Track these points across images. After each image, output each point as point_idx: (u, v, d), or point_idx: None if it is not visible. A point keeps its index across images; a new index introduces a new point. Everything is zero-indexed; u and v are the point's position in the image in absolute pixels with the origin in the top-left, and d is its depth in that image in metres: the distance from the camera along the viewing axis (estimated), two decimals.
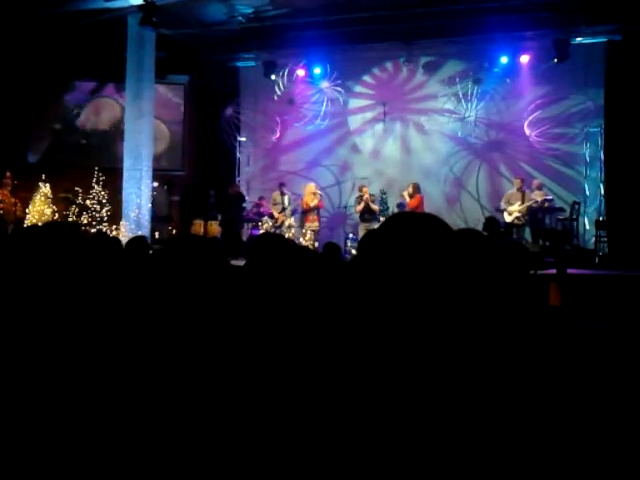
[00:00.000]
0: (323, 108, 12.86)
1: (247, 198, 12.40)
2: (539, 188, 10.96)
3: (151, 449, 1.25)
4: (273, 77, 12.56)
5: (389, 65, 12.82)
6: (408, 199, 11.06)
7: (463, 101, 12.12)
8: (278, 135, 13.09)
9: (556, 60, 11.05)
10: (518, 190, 10.84)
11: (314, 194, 11.58)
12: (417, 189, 11.14)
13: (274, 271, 1.86)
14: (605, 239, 10.61)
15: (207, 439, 1.23)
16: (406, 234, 1.12)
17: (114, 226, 10.62)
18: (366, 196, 11.34)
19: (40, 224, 9.00)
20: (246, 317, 1.62)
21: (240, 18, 10.94)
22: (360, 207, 11.41)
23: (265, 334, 1.48)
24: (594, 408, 1.18)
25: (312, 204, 11.51)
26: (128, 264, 2.32)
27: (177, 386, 1.34)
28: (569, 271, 7.42)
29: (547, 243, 10.15)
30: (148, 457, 1.24)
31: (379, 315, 1.09)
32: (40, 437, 1.27)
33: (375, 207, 11.33)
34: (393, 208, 11.38)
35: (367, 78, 13.01)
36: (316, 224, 11.53)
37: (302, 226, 11.55)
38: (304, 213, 11.65)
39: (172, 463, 1.23)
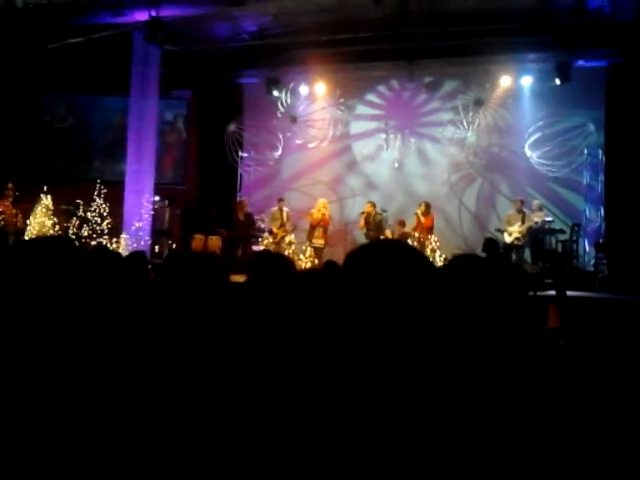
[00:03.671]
0: (326, 126, 12.93)
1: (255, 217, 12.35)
2: (539, 209, 10.99)
3: (150, 460, 1.25)
4: (276, 94, 12.61)
5: (392, 84, 12.91)
6: (423, 218, 11.03)
7: (464, 122, 12.19)
8: (280, 152, 13.15)
9: (558, 82, 11.12)
10: (518, 211, 10.87)
11: (319, 210, 11.51)
12: (429, 208, 11.14)
13: (274, 289, 1.86)
14: (605, 262, 10.61)
15: (204, 453, 1.23)
16: (377, 263, 1.13)
17: (114, 239, 10.63)
18: (364, 212, 11.32)
19: (40, 236, 9.01)
20: (245, 334, 1.63)
21: (245, 35, 11.04)
22: (361, 224, 11.39)
23: (264, 350, 1.48)
24: (591, 428, 1.18)
25: (316, 218, 11.40)
26: (126, 281, 2.33)
27: (176, 401, 1.34)
28: (568, 293, 7.41)
29: (547, 264, 10.15)
30: (148, 462, 1.24)
31: (374, 336, 1.09)
32: (42, 444, 1.27)
33: (361, 223, 11.23)
34: (393, 226, 11.39)
35: (370, 97, 13.09)
36: (321, 241, 11.39)
37: (307, 242, 11.43)
38: (310, 229, 11.57)
39: (172, 467, 1.23)
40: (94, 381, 1.40)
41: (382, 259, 1.13)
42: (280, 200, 12.00)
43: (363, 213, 11.38)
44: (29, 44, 10.91)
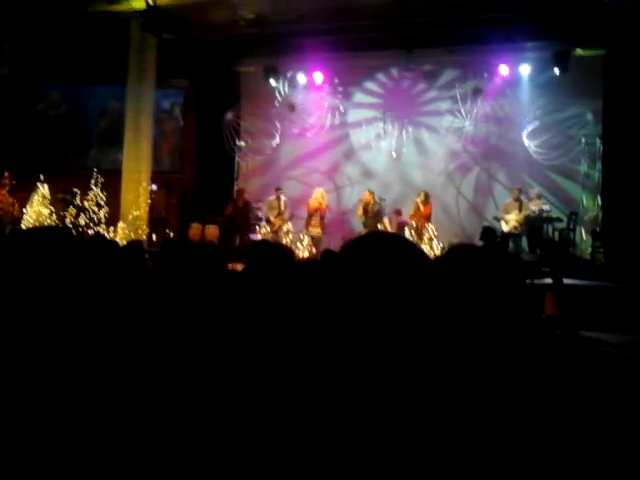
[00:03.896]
0: (323, 114, 12.88)
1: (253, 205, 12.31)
2: (538, 197, 10.99)
3: (148, 451, 1.26)
4: (273, 82, 12.55)
5: (390, 73, 12.86)
6: (422, 207, 11.05)
7: (462, 110, 12.16)
8: (278, 141, 13.10)
9: (556, 72, 11.09)
10: (515, 200, 10.87)
11: (316, 199, 11.49)
12: (428, 197, 11.16)
13: (272, 279, 1.87)
14: (601, 250, 10.64)
15: (201, 444, 1.23)
16: (375, 256, 1.14)
17: (111, 228, 10.63)
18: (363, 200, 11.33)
19: (37, 225, 9.00)
20: (243, 323, 1.63)
21: (242, 23, 10.97)
22: (360, 212, 11.39)
23: (262, 341, 1.49)
24: (588, 417, 1.19)
25: (313, 207, 11.40)
26: (124, 270, 2.33)
27: (174, 391, 1.35)
28: (565, 281, 7.43)
29: (544, 253, 10.17)
30: (146, 458, 1.25)
31: (370, 326, 1.10)
32: (40, 440, 1.28)
33: (360, 212, 11.25)
34: (390, 215, 11.39)
35: (368, 85, 13.04)
36: (318, 230, 11.37)
37: (305, 231, 11.42)
38: (308, 218, 11.57)
39: (170, 464, 1.24)
40: (92, 371, 1.41)
41: (377, 252, 1.14)
42: (278, 189, 11.97)
43: (362, 201, 11.37)
44: (25, 31, 10.85)
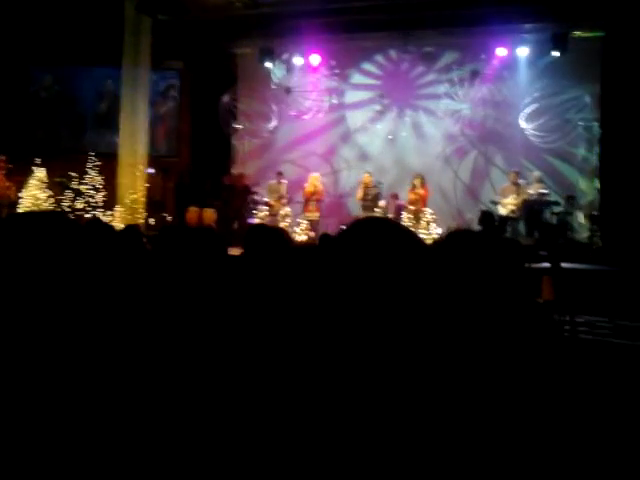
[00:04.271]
0: (320, 97, 12.81)
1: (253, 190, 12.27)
2: (538, 181, 10.96)
3: (145, 441, 1.25)
4: (269, 65, 12.43)
5: (387, 55, 12.77)
6: (422, 189, 11.04)
7: (460, 93, 12.09)
8: (275, 123, 13.04)
9: (554, 53, 11.02)
10: (513, 183, 10.86)
11: (311, 184, 11.50)
12: (424, 180, 11.16)
13: (270, 263, 1.86)
14: (598, 234, 10.65)
15: (203, 432, 1.23)
16: (372, 241, 1.13)
17: (109, 212, 10.61)
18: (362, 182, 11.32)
19: (34, 209, 8.97)
20: (241, 308, 1.63)
21: (238, 4, 10.86)
22: (359, 195, 11.38)
23: (261, 327, 1.49)
24: (586, 404, 1.20)
25: (308, 192, 11.42)
26: (122, 255, 2.33)
27: (173, 379, 1.34)
28: (563, 265, 7.45)
29: (541, 236, 10.17)
30: (143, 453, 1.25)
31: (369, 311, 1.10)
32: (36, 435, 1.27)
33: (359, 194, 11.24)
34: (388, 199, 11.38)
35: (365, 67, 12.96)
36: (315, 214, 11.41)
37: (302, 215, 11.43)
38: (305, 202, 11.58)
39: (168, 458, 1.24)
40: (89, 357, 1.41)
41: (373, 237, 1.13)
42: (279, 173, 11.96)
43: (361, 183, 11.36)
44: (18, 14, 10.74)
